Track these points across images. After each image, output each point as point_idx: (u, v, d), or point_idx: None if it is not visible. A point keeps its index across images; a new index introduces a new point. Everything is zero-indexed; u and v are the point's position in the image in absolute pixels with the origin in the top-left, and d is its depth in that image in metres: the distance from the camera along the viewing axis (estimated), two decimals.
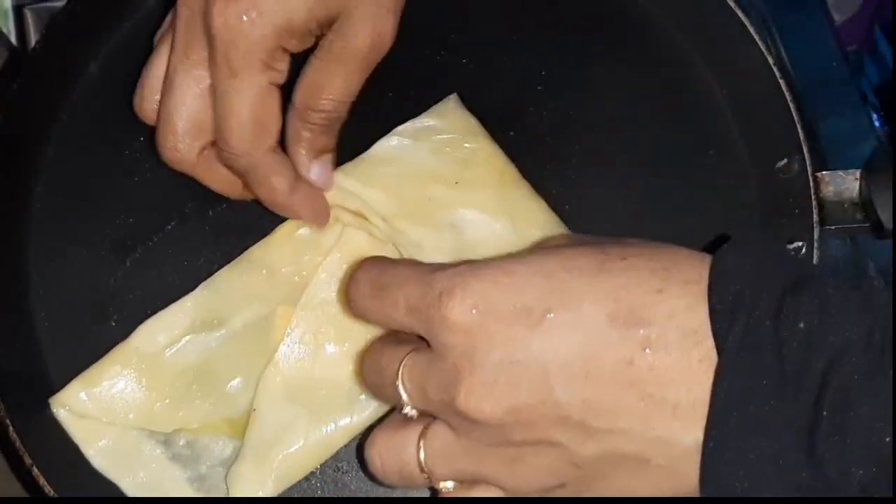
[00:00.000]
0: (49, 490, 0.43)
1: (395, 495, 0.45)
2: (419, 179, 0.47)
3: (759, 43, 0.49)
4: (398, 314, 0.37)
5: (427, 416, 0.37)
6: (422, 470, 0.37)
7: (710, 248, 0.48)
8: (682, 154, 0.50)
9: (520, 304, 0.35)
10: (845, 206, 0.47)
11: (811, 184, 0.47)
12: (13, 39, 0.60)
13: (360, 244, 0.46)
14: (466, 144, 0.48)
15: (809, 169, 0.47)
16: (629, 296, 0.34)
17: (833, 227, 0.48)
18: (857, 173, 0.47)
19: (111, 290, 0.48)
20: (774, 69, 0.48)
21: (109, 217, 0.48)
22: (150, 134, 0.49)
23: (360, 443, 0.45)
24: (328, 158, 0.46)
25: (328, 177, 0.46)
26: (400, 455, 0.37)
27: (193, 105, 0.43)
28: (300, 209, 0.45)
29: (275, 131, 0.43)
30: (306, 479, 0.45)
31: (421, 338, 0.37)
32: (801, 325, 0.32)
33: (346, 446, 0.45)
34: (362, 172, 0.47)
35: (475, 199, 0.46)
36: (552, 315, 0.34)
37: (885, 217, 0.45)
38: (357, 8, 0.42)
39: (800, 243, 0.47)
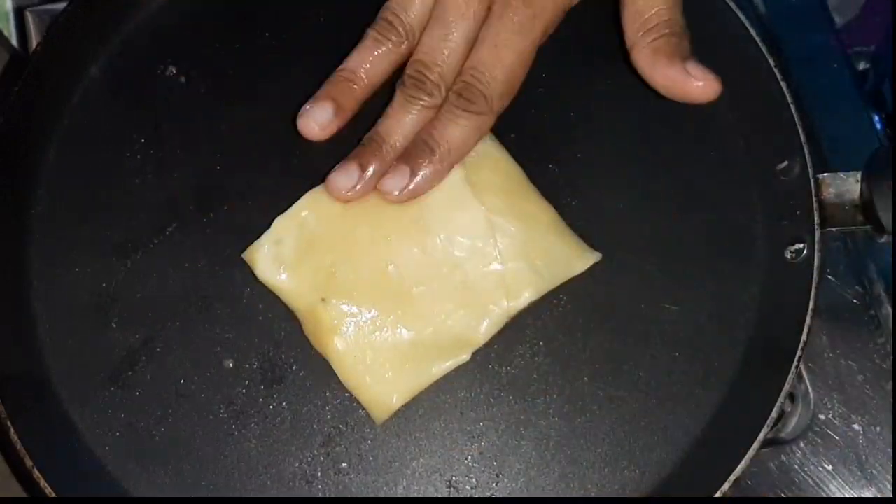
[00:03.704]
0: (49, 491, 0.43)
1: (396, 496, 0.45)
2: None
3: (760, 43, 0.49)
4: None
5: None
6: None
7: (710, 248, 0.48)
8: (683, 155, 0.50)
9: None
10: (846, 207, 0.47)
11: (812, 185, 0.47)
12: (14, 42, 0.61)
13: None
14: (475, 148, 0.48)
15: (810, 171, 0.47)
16: None
17: (834, 229, 0.48)
18: (858, 175, 0.47)
19: (112, 292, 0.48)
20: (775, 70, 0.48)
21: (110, 220, 0.48)
22: (150, 136, 0.49)
23: None
24: (695, 62, 0.45)
25: (712, 76, 0.45)
26: None
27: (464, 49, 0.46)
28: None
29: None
30: (307, 480, 0.45)
31: None
32: None
33: (347, 449, 0.46)
34: None
35: (484, 202, 0.46)
36: None
37: (886, 219, 0.45)
38: None
39: (801, 245, 0.47)
